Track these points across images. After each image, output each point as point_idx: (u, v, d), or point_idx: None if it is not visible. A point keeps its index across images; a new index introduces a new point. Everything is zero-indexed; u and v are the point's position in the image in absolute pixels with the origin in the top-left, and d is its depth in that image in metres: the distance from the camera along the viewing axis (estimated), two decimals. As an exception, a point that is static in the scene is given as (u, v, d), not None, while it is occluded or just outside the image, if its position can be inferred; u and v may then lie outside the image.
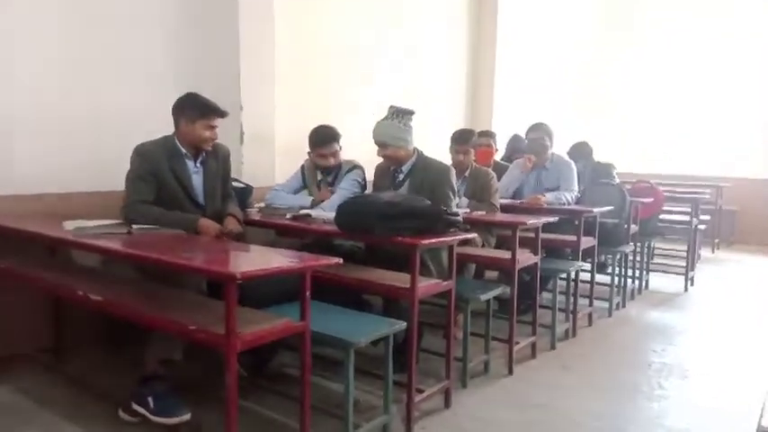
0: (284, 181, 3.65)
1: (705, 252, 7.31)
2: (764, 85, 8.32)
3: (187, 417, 2.32)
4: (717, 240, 7.72)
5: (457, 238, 2.70)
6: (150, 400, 2.35)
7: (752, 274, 6.48)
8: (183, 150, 2.82)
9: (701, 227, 6.15)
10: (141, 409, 2.36)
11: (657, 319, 4.51)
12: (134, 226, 2.58)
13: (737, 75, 8.47)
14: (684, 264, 5.61)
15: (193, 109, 2.77)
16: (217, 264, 2.10)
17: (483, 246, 3.67)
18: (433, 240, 2.55)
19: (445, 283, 2.69)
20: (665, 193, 5.66)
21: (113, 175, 2.88)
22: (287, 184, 3.60)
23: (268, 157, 3.98)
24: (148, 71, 3.45)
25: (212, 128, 2.81)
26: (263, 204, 3.51)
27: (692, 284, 5.60)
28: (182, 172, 2.81)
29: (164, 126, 2.85)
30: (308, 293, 2.00)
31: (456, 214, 2.75)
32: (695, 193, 6.17)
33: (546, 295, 4.15)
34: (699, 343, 3.96)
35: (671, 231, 6.00)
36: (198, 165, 2.88)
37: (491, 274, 4.30)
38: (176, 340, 2.32)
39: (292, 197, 3.51)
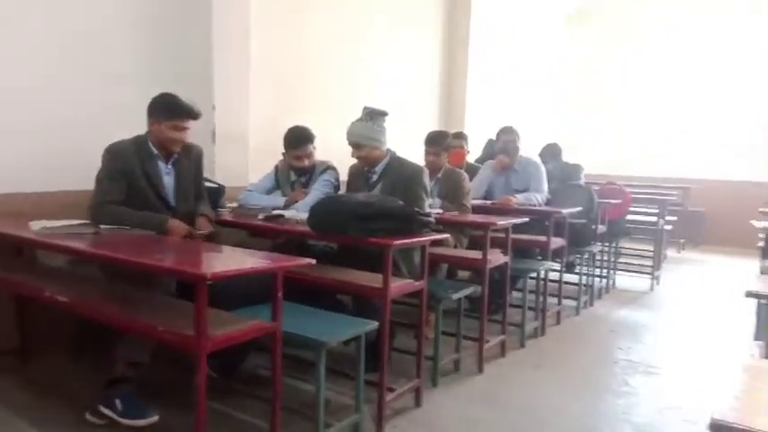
0: (257, 181, 3.63)
1: (672, 252, 7.50)
2: (727, 92, 8.57)
3: (155, 419, 2.30)
4: (683, 241, 7.93)
5: (429, 238, 2.73)
6: (118, 402, 2.32)
7: (716, 274, 6.67)
8: (155, 151, 2.79)
9: (668, 227, 6.31)
10: (109, 412, 2.33)
11: (624, 317, 4.62)
12: (101, 226, 2.55)
13: (706, 81, 8.71)
14: (651, 263, 5.76)
15: (161, 110, 2.73)
16: (187, 264, 2.08)
17: (455, 246, 3.71)
18: (406, 241, 2.57)
19: (417, 282, 2.72)
20: (633, 195, 5.80)
21: (83, 175, 2.82)
22: (260, 185, 3.58)
23: (241, 157, 3.95)
24: (119, 70, 3.40)
25: (181, 129, 2.77)
26: (235, 204, 3.49)
27: (658, 284, 5.75)
28: (153, 173, 2.78)
29: (135, 126, 2.81)
30: (279, 294, 2.00)
31: (428, 215, 2.78)
32: (662, 194, 6.34)
33: (516, 294, 4.22)
34: (664, 341, 4.06)
35: (638, 232, 6.14)
36: (170, 166, 2.85)
37: (464, 274, 4.35)
38: (145, 342, 2.30)
39: (265, 197, 3.50)
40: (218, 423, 2.41)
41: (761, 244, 4.45)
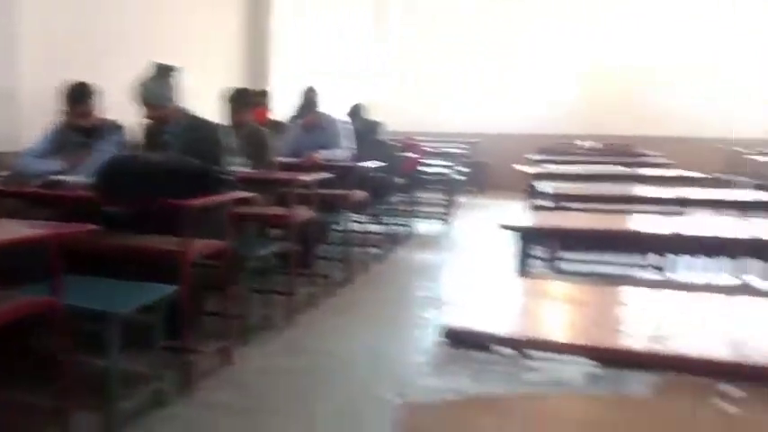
0: (33, 145, 3.22)
1: (463, 199, 8.34)
2: (507, 55, 9.59)
3: None
4: (473, 189, 8.85)
5: (230, 197, 2.72)
6: None
7: (499, 215, 7.54)
8: None
9: (460, 177, 7.00)
10: None
11: (423, 260, 5.10)
12: None
13: (492, 46, 9.62)
14: (445, 210, 6.37)
15: None
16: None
17: (265, 204, 3.72)
18: (206, 200, 2.53)
19: (220, 242, 2.70)
20: (429, 149, 6.32)
21: None
22: (37, 148, 3.18)
23: (11, 117, 3.47)
24: None
25: None
26: (6, 172, 3.08)
27: (451, 228, 6.41)
28: None
29: None
30: (57, 265, 1.85)
31: (228, 173, 2.76)
32: (454, 148, 6.99)
33: (326, 247, 4.40)
34: (456, 277, 4.58)
35: (434, 182, 6.71)
36: None
37: (277, 231, 4.40)
38: None
39: (43, 162, 3.12)
40: (1, 410, 2.19)
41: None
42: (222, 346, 2.76)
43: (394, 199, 5.15)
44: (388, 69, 10.04)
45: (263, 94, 4.90)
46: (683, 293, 1.66)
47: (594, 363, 0.84)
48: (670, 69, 8.79)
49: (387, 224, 5.11)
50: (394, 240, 5.31)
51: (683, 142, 7.63)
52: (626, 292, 1.45)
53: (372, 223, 4.95)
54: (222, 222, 2.81)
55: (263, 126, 4.19)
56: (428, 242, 5.80)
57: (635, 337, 1.01)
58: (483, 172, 8.92)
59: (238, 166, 3.41)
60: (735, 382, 0.81)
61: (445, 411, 0.72)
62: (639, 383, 0.81)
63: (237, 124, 3.82)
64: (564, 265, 2.90)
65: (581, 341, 0.95)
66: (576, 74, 9.24)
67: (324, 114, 4.70)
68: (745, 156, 6.74)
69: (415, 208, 6.18)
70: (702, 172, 4.74)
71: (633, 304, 1.28)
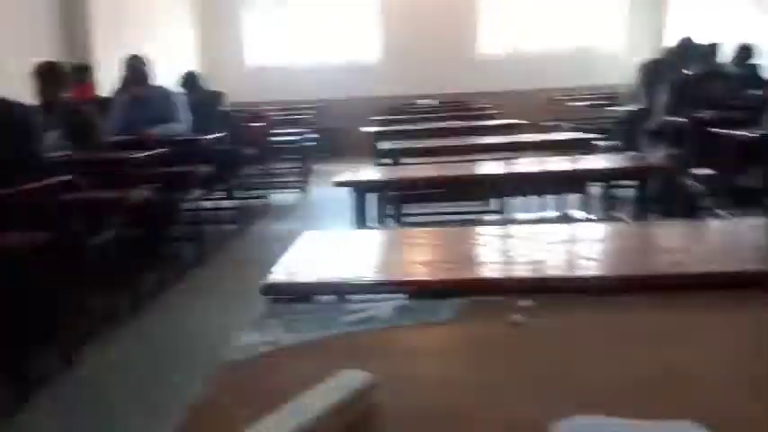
0: None
1: (317, 166, 8.32)
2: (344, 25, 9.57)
3: None
4: (326, 155, 8.86)
5: (47, 182, 2.46)
6: None
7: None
8: None
9: (311, 144, 6.96)
10: None
11: (279, 231, 5.01)
12: None
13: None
14: (301, 178, 6.33)
15: None
16: None
17: (95, 188, 3.41)
18: (17, 189, 2.27)
19: (40, 233, 2.44)
20: (278, 118, 6.19)
21: None
22: None
23: None
24: None
25: None
26: None
27: (308, 195, 6.38)
28: None
29: None
30: None
31: (42, 157, 2.49)
32: (302, 114, 6.91)
33: (177, 227, 4.15)
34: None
35: (286, 151, 6.61)
36: None
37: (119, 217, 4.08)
38: None
39: None
40: None
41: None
42: (58, 348, 2.53)
43: (246, 171, 4.99)
44: (233, 38, 9.62)
45: (83, 69, 4.45)
46: (507, 227, 1.81)
47: (405, 296, 0.89)
48: (500, 29, 9.46)
49: (241, 198, 4.96)
50: (249, 214, 5.17)
51: (513, 95, 8.27)
52: (452, 231, 1.55)
53: (225, 198, 4.78)
54: (42, 211, 2.54)
55: (89, 103, 3.82)
56: (285, 212, 5.72)
57: (447, 269, 1.08)
58: (335, 137, 8.95)
59: (57, 149, 3.10)
60: (530, 295, 0.90)
61: (257, 364, 0.72)
62: (446, 310, 0.87)
63: (50, 103, 3.42)
64: (410, 219, 3.03)
65: (394, 278, 1.00)
66: (412, 38, 9.50)
67: (156, 86, 4.38)
68: (566, 103, 7.49)
69: (270, 179, 6.07)
70: (529, 120, 5.18)
71: (455, 241, 1.37)
